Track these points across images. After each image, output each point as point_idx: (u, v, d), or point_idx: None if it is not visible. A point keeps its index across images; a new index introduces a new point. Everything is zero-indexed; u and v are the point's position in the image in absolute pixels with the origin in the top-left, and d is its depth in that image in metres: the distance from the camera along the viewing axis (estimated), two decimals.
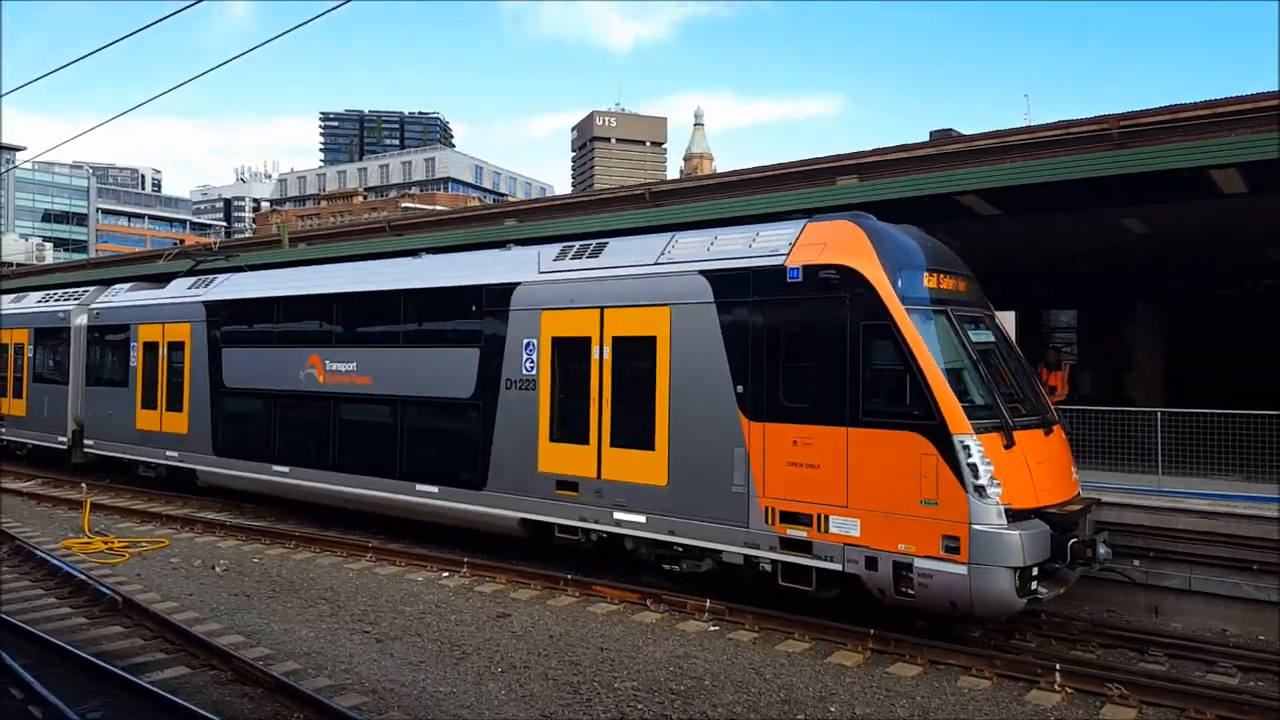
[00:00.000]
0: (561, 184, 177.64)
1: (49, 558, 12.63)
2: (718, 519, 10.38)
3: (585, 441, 11.75)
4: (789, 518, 9.85)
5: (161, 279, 21.24)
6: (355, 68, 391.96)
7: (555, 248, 12.88)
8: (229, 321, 17.14)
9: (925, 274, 9.75)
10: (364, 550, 13.83)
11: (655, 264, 11.30)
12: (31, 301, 23.58)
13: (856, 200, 12.09)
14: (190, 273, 20.31)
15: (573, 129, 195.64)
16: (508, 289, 12.80)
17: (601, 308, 11.67)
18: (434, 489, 13.56)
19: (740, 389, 10.25)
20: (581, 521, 11.74)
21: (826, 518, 9.57)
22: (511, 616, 10.65)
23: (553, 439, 12.15)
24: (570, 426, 12.00)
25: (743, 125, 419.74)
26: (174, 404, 18.14)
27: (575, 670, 8.83)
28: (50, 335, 22.21)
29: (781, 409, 9.93)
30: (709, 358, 10.54)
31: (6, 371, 23.68)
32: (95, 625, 10.06)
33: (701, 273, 10.71)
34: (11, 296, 25.14)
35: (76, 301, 21.58)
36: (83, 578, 11.44)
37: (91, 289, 21.98)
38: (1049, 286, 17.64)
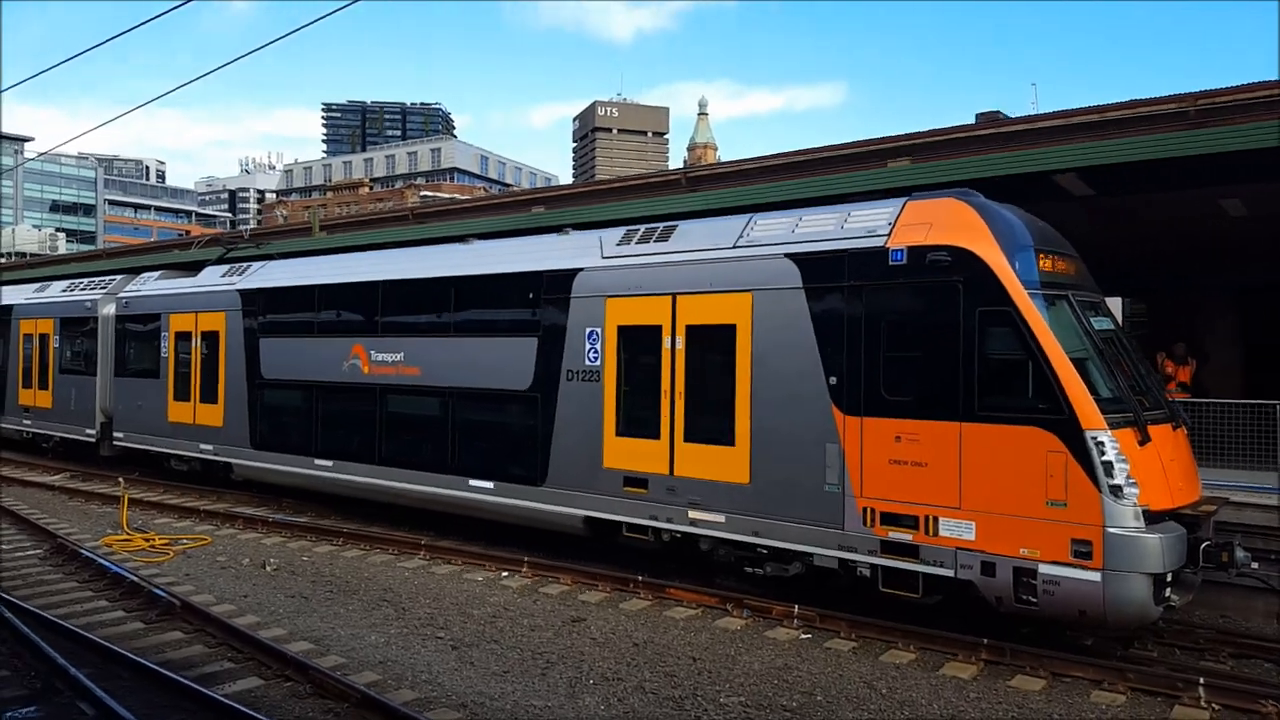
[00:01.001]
0: (563, 175, 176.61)
1: (95, 557, 12.06)
2: (808, 520, 9.76)
3: (656, 436, 11.14)
4: (891, 519, 9.23)
5: (187, 267, 20.64)
6: (356, 59, 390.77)
7: (618, 231, 12.24)
8: (267, 310, 16.53)
9: (1040, 256, 9.09)
10: (416, 548, 13.24)
11: (734, 247, 10.66)
12: (56, 291, 22.98)
13: (928, 180, 11.32)
14: (221, 261, 19.70)
15: (574, 119, 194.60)
16: (568, 275, 12.17)
17: (674, 294, 11.04)
18: (488, 484, 12.97)
19: (833, 381, 9.62)
20: (652, 520, 11.13)
21: (936, 519, 8.95)
22: (587, 621, 10.07)
23: (619, 433, 11.53)
24: (639, 420, 11.39)
25: (741, 115, 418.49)
26: (208, 396, 17.55)
27: (672, 683, 8.24)
28: (76, 325, 21.62)
29: (882, 403, 9.30)
30: (797, 347, 9.91)
31: (32, 363, 23.11)
32: (153, 631, 9.49)
33: (788, 256, 10.07)
34: (35, 286, 24.56)
35: (104, 290, 20.99)
36: (134, 579, 10.88)
37: (118, 278, 21.37)
38: (1132, 271, 16.93)
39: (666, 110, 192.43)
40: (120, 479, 16.30)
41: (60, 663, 7.96)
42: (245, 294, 16.91)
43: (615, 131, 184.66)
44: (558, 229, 13.69)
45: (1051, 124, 20.35)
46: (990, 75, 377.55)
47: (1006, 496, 8.56)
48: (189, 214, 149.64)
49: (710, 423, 10.69)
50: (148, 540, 14.00)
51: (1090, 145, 11.41)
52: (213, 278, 18.19)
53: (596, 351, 11.79)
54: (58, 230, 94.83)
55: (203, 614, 9.68)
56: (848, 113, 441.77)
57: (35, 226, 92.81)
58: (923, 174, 10.87)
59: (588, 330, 11.88)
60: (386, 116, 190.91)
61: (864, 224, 9.74)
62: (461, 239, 14.91)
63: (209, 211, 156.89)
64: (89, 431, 21.00)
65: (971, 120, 23.46)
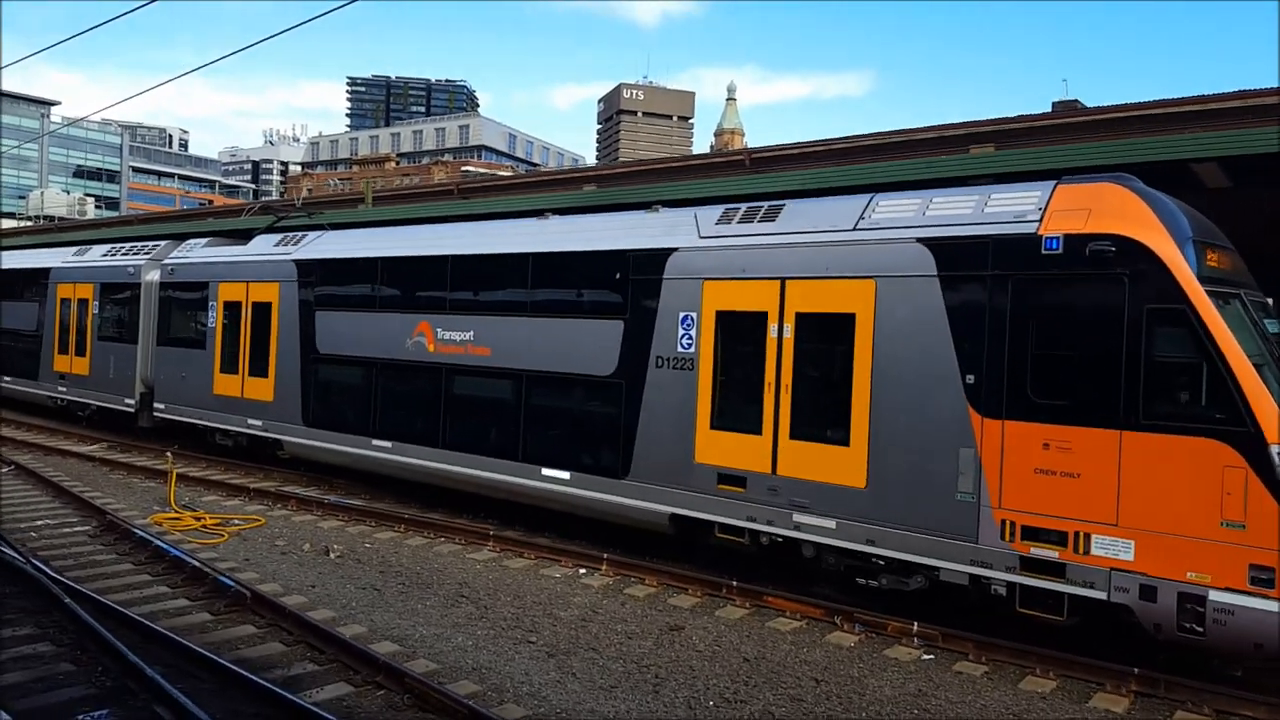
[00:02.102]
0: (587, 156, 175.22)
1: (151, 538, 11.39)
2: (935, 530, 8.95)
3: (757, 431, 10.33)
4: (1033, 534, 8.40)
5: (231, 234, 19.93)
6: (381, 34, 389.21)
7: (716, 210, 11.40)
8: (325, 282, 15.79)
9: (1208, 250, 8.22)
10: (484, 538, 12.51)
11: (854, 229, 9.81)
12: (97, 255, 22.31)
13: (1036, 166, 10.41)
14: (271, 229, 18.97)
15: (599, 101, 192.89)
16: (661, 255, 11.35)
17: (782, 279, 10.21)
18: (564, 474, 12.21)
19: (971, 379, 8.77)
20: (750, 522, 10.34)
21: (1087, 536, 8.12)
22: (686, 630, 9.30)
23: (714, 426, 10.74)
24: (737, 413, 10.59)
25: (768, 102, 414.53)
26: (258, 369, 16.85)
27: (800, 708, 7.47)
28: (118, 291, 20.96)
29: (1029, 405, 8.45)
30: (928, 341, 9.06)
31: (69, 328, 22.48)
32: (223, 623, 8.80)
33: (921, 241, 9.21)
34: (72, 249, 23.92)
35: (148, 256, 20.30)
36: (195, 563, 10.19)
37: (162, 243, 20.67)
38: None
39: (692, 95, 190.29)
40: (168, 453, 15.66)
41: (133, 660, 7.27)
42: (301, 264, 16.16)
43: (640, 115, 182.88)
44: (646, 205, 12.83)
45: (1150, 112, 19.34)
46: (1019, 71, 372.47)
47: (1173, 514, 7.73)
48: (212, 183, 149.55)
49: (821, 419, 9.88)
50: (198, 519, 13.33)
51: (1239, 133, 10.47)
52: (265, 247, 17.45)
53: (691, 338, 10.98)
54: (87, 195, 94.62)
55: (276, 606, 8.97)
56: (874, 102, 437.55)
57: (65, 191, 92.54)
58: (1049, 158, 9.96)
59: (681, 315, 11.07)
60: (411, 92, 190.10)
61: (1009, 208, 8.87)
62: (538, 214, 14.08)
63: (232, 181, 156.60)
64: (128, 401, 20.36)
65: (1019, 111, 22.43)
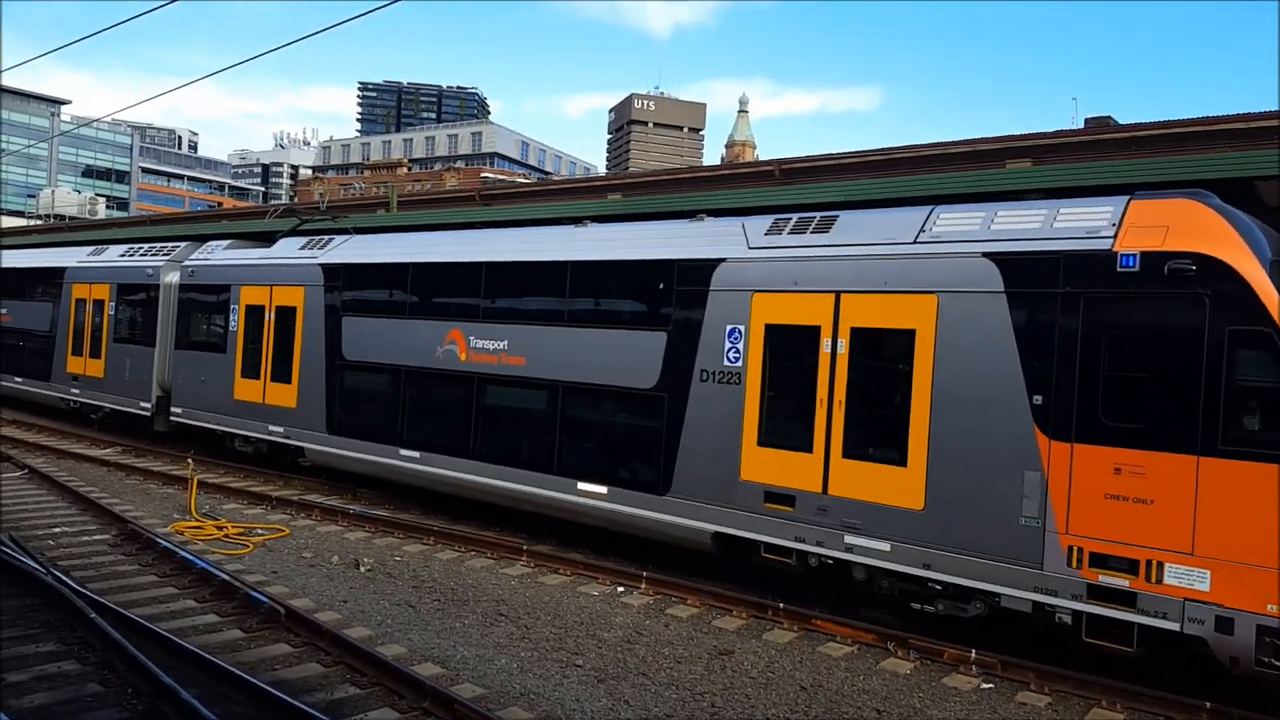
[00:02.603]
0: (598, 165, 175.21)
1: (176, 548, 11.06)
2: (997, 555, 8.62)
3: (807, 449, 10.01)
4: (1103, 561, 8.07)
5: (254, 237, 19.68)
6: (393, 40, 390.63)
7: (764, 220, 11.11)
8: (352, 287, 15.50)
9: None
10: (516, 553, 12.18)
11: (914, 242, 9.51)
12: (114, 255, 22.05)
13: (1102, 181, 10.09)
14: (295, 233, 18.70)
15: (610, 110, 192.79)
16: (708, 266, 11.05)
17: (838, 292, 9.90)
18: (600, 489, 11.89)
19: (1038, 400, 8.46)
20: (798, 543, 10.01)
21: (1160, 565, 7.79)
22: (735, 654, 8.97)
23: (761, 443, 10.42)
24: (786, 430, 10.27)
25: (777, 115, 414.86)
26: (281, 375, 16.56)
27: None
28: (135, 292, 20.68)
29: (1100, 428, 8.13)
30: (993, 359, 8.75)
31: (83, 329, 22.21)
32: (256, 641, 8.46)
33: (987, 255, 8.90)
34: (88, 249, 23.67)
35: (167, 257, 20.03)
36: (225, 577, 9.86)
37: (182, 245, 20.41)
38: None
39: (703, 106, 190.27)
40: (189, 459, 15.33)
41: (166, 682, 6.91)
42: (328, 269, 15.89)
43: (651, 125, 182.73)
44: (690, 214, 12.54)
45: (1164, 132, 19.09)
46: (1028, 88, 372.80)
47: (1254, 544, 7.40)
48: (222, 185, 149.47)
49: (877, 438, 9.57)
50: (220, 529, 13.02)
51: None
52: (290, 250, 17.18)
53: (738, 351, 10.67)
54: (98, 195, 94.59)
55: (312, 624, 8.64)
56: (882, 117, 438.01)
57: (76, 190, 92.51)
58: (1114, 173, 9.66)
59: (728, 328, 10.77)
60: (422, 98, 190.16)
61: (1080, 223, 8.56)
62: (576, 220, 13.80)
63: (242, 184, 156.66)
64: (144, 405, 20.06)
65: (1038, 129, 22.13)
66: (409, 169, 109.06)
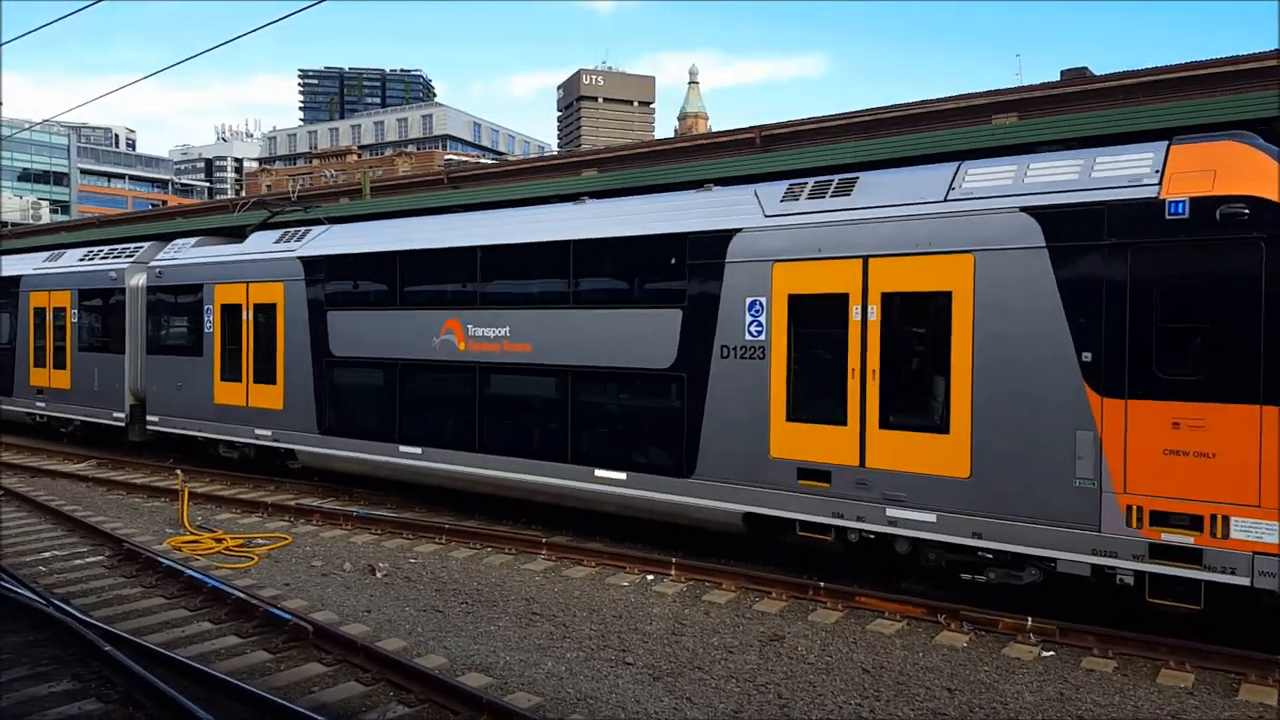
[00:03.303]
0: (549, 144, 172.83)
1: (180, 566, 10.44)
2: (1051, 520, 8.36)
3: (841, 422, 9.68)
4: (1164, 519, 7.85)
5: (218, 233, 18.82)
6: (331, 23, 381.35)
7: (778, 186, 10.68)
8: (336, 280, 14.82)
9: None
10: (536, 547, 11.72)
11: (945, 200, 9.15)
12: (73, 260, 21.00)
13: (1144, 126, 9.83)
14: (266, 226, 17.89)
15: (558, 88, 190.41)
16: (722, 237, 10.62)
17: (865, 257, 9.53)
18: (619, 475, 11.48)
19: (1087, 357, 8.17)
20: (836, 519, 9.70)
21: (1226, 519, 7.58)
22: (786, 640, 8.64)
23: (791, 418, 10.06)
24: (818, 403, 9.92)
25: (727, 85, 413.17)
26: (264, 375, 15.85)
27: None
28: (98, 297, 19.72)
29: (1155, 383, 7.88)
30: (1037, 318, 8.45)
31: (45, 339, 21.17)
32: (285, 662, 7.94)
33: (1025, 209, 8.57)
34: (43, 255, 22.53)
35: (131, 259, 19.09)
36: (240, 595, 9.28)
37: (146, 245, 19.46)
38: None
39: (652, 79, 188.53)
40: (177, 470, 14.62)
41: (203, 717, 6.41)
42: (308, 261, 15.17)
43: (601, 100, 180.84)
44: (697, 185, 12.05)
45: (1154, 79, 18.97)
46: (973, 50, 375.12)
47: None
48: (165, 183, 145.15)
49: (915, 406, 9.25)
50: (219, 541, 12.39)
51: None
52: (264, 244, 16.41)
53: (760, 325, 10.27)
54: (39, 199, 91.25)
55: (342, 639, 8.13)
56: (831, 83, 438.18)
57: (18, 195, 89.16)
58: (1154, 118, 9.35)
59: (748, 300, 10.36)
60: (365, 83, 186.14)
61: (1121, 171, 8.25)
62: (573, 198, 13.24)
63: (185, 181, 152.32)
64: (117, 415, 19.20)
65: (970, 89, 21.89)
66: (359, 156, 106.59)
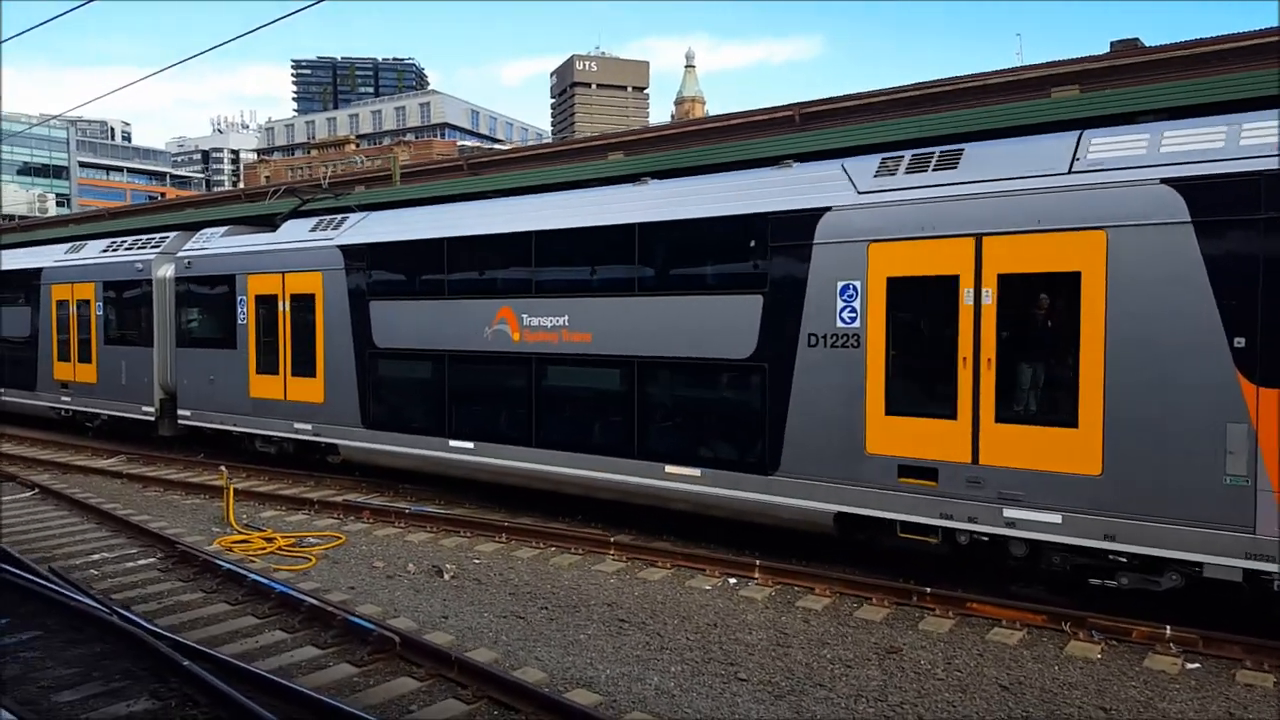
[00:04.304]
0: (544, 131, 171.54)
1: (243, 570, 9.79)
2: (1198, 521, 7.71)
3: (950, 415, 9.00)
4: None
5: (247, 222, 18.12)
6: (321, 13, 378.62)
7: (870, 160, 9.99)
8: (379, 269, 14.13)
9: None
10: (603, 546, 11.09)
11: (1070, 172, 8.45)
12: (94, 251, 20.29)
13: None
14: (297, 214, 17.20)
15: (552, 74, 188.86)
16: (810, 217, 9.93)
17: (978, 235, 8.84)
18: (693, 472, 10.83)
19: (1240, 343, 7.51)
20: (945, 520, 9.04)
21: None
22: (904, 652, 7.99)
23: (890, 411, 9.39)
24: (922, 395, 9.27)
25: (721, 69, 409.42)
26: (303, 368, 15.18)
27: None
28: (124, 289, 19.02)
29: None
30: (1181, 300, 7.77)
31: (69, 333, 20.49)
32: (373, 677, 7.29)
33: (1166, 181, 7.88)
34: (64, 247, 21.82)
35: (158, 250, 18.39)
36: (314, 602, 8.63)
37: (172, 235, 18.77)
38: None
39: (647, 64, 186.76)
40: (221, 466, 13.95)
41: None
42: (348, 250, 14.48)
43: (595, 86, 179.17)
44: (776, 161, 11.34)
45: (1201, 50, 18.29)
46: (971, 29, 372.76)
47: None
48: (163, 175, 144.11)
49: (1038, 398, 8.58)
50: (269, 540, 11.75)
51: None
52: (299, 232, 15.71)
53: (854, 310, 9.60)
54: (44, 193, 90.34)
55: (432, 651, 7.47)
56: (826, 65, 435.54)
57: (23, 188, 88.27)
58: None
59: (840, 284, 9.68)
60: (358, 73, 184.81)
61: (1273, 137, 7.56)
62: (634, 178, 12.53)
63: (183, 172, 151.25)
64: (146, 409, 18.53)
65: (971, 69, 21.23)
66: (357, 145, 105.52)
